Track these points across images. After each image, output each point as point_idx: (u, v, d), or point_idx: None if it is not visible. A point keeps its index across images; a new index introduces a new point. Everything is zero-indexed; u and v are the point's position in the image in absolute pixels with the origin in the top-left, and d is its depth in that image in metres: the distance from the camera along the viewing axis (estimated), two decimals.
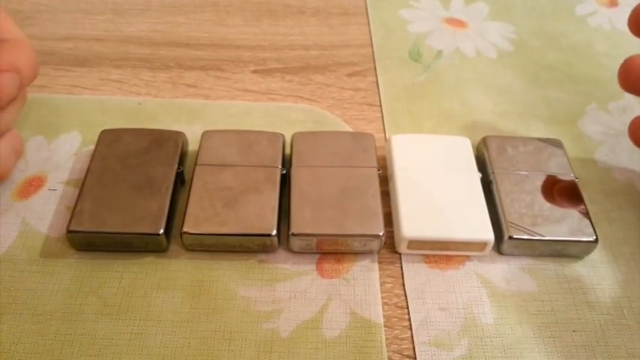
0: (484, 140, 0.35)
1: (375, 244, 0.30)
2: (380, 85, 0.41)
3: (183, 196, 0.32)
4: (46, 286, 0.29)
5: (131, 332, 0.27)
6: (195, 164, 0.32)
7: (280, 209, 0.31)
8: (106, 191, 0.30)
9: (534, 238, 0.30)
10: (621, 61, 0.31)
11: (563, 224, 0.30)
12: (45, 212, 0.32)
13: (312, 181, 0.31)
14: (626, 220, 0.33)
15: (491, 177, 0.33)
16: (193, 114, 0.38)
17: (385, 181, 0.34)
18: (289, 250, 0.30)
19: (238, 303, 0.28)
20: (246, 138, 0.33)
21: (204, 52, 0.43)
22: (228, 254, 0.30)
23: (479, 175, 0.32)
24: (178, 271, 0.30)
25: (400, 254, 0.31)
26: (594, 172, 0.36)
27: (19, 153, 0.33)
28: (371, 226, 0.29)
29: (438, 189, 0.31)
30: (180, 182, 0.33)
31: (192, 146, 0.35)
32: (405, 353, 0.27)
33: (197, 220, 0.29)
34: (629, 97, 0.41)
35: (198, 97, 0.40)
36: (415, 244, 0.30)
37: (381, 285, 0.30)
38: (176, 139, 0.33)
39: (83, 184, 0.31)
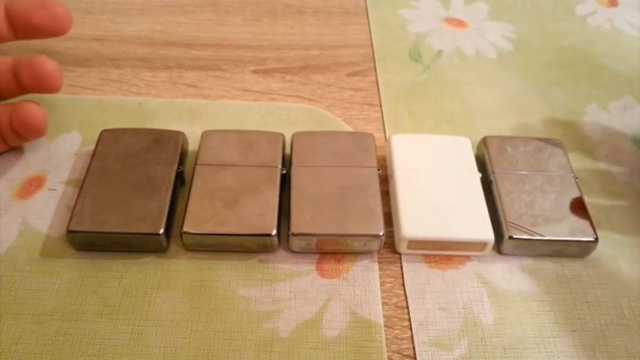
0: (484, 140, 0.35)
1: (375, 244, 0.30)
2: (380, 85, 0.41)
3: (183, 196, 0.32)
4: (46, 286, 0.29)
5: (131, 332, 0.27)
6: (195, 164, 0.32)
7: (280, 209, 0.31)
8: (106, 191, 0.30)
9: (534, 238, 0.30)
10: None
11: (563, 224, 0.30)
12: (45, 212, 0.32)
13: (312, 181, 0.31)
14: (626, 220, 0.33)
15: (491, 177, 0.33)
16: (193, 114, 0.38)
17: (385, 181, 0.34)
18: (289, 250, 0.30)
19: (238, 303, 0.28)
20: (246, 138, 0.33)
21: (204, 52, 0.43)
22: (228, 254, 0.30)
23: (479, 175, 0.32)
24: (178, 271, 0.30)
25: (400, 254, 0.31)
26: (594, 172, 0.36)
27: None
28: (371, 226, 0.29)
29: (438, 189, 0.31)
30: (181, 182, 0.33)
31: (192, 146, 0.35)
32: (405, 353, 0.27)
33: (197, 220, 0.29)
34: (629, 97, 0.41)
35: (198, 97, 0.40)
36: (415, 244, 0.30)
37: (381, 285, 0.30)
38: (176, 139, 0.33)
39: (83, 184, 0.31)
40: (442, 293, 0.29)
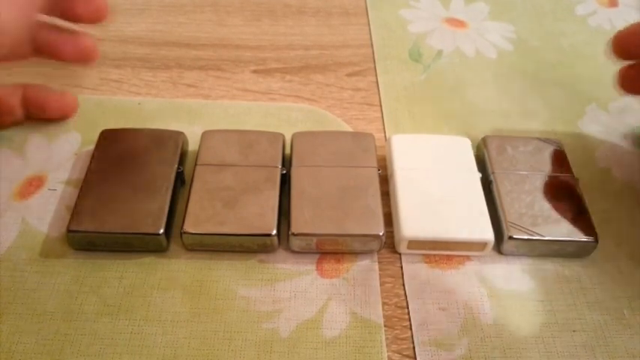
0: (484, 140, 0.35)
1: (375, 244, 0.30)
2: (380, 85, 0.41)
3: (183, 196, 0.32)
4: (46, 286, 0.29)
5: (131, 332, 0.27)
6: (195, 164, 0.32)
7: (280, 209, 0.31)
8: (106, 191, 0.30)
9: (534, 238, 0.30)
10: (621, 61, 0.32)
11: (563, 224, 0.30)
12: (45, 212, 0.32)
13: (312, 181, 0.31)
14: (626, 220, 0.33)
15: (491, 177, 0.33)
16: (193, 114, 0.38)
17: (385, 181, 0.34)
18: (289, 250, 0.30)
19: (238, 303, 0.28)
20: (246, 138, 0.33)
21: (204, 52, 0.43)
22: (228, 254, 0.30)
23: (479, 175, 0.32)
24: (178, 271, 0.30)
25: (400, 254, 0.31)
26: (594, 172, 0.36)
27: None
28: (371, 226, 0.29)
29: (438, 189, 0.31)
30: (181, 182, 0.33)
31: (192, 146, 0.35)
32: (405, 353, 0.27)
33: (197, 220, 0.29)
34: (629, 97, 0.41)
35: (198, 97, 0.40)
36: (415, 244, 0.30)
37: (381, 285, 0.30)
38: (176, 139, 0.33)
39: (83, 184, 0.31)
40: (442, 293, 0.29)
